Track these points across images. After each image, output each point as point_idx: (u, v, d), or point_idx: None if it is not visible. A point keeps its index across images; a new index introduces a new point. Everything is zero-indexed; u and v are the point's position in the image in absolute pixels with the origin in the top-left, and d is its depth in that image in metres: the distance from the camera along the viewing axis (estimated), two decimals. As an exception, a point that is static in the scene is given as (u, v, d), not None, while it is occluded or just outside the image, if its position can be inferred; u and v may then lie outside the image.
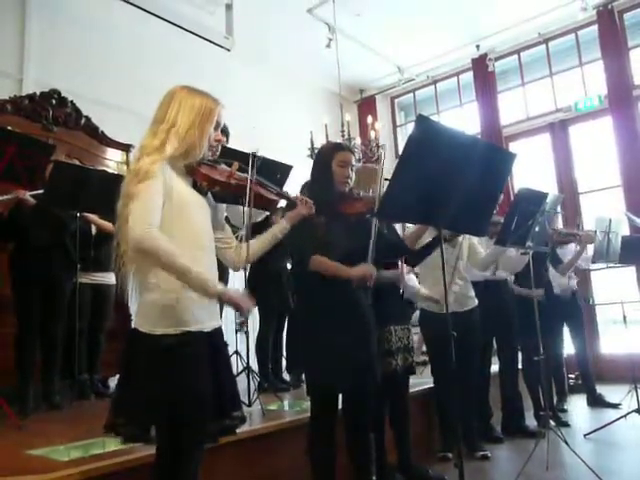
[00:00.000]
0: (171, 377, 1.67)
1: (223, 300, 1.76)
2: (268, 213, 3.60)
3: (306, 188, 3.40)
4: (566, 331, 5.16)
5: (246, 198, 1.98)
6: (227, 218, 2.72)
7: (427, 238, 2.97)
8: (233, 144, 2.76)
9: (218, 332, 1.86)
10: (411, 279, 3.82)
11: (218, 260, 1.95)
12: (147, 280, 1.74)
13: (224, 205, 2.17)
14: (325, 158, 2.70)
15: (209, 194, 1.95)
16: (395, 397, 3.20)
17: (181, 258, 1.65)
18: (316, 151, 5.66)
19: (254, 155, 2.10)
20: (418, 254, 3.13)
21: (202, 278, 1.70)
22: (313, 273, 2.53)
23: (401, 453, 3.19)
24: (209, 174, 1.86)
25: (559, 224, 4.88)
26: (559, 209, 4.17)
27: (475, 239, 3.89)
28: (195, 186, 1.89)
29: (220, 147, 1.95)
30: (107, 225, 4.06)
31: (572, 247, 4.82)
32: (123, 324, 4.44)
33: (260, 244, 2.05)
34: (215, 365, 1.77)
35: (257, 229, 2.23)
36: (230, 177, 1.91)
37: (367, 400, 2.58)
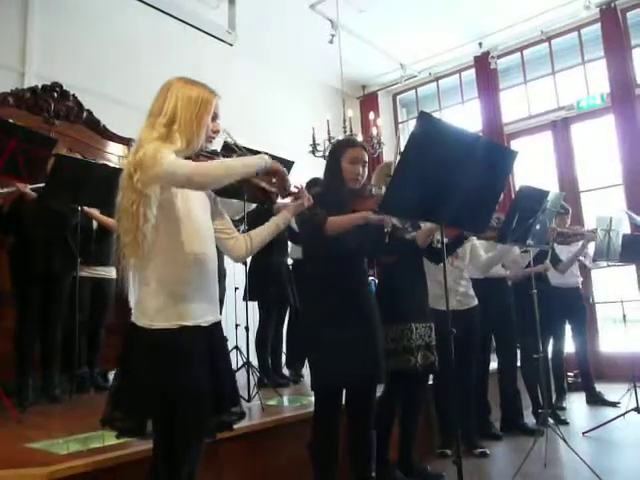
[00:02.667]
0: (168, 372, 1.66)
1: (274, 167, 1.83)
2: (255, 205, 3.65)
3: (314, 184, 3.40)
4: (567, 329, 5.17)
5: (245, 190, 1.97)
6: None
7: (437, 236, 2.98)
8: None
9: (217, 327, 1.85)
10: None
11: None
12: (145, 274, 1.74)
13: None
14: (335, 155, 2.71)
15: None
16: (411, 395, 3.16)
17: (229, 160, 1.79)
18: (318, 147, 5.70)
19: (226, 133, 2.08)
20: (437, 251, 3.11)
21: (253, 158, 1.80)
22: (317, 269, 2.54)
23: (404, 450, 3.18)
24: None
25: (567, 223, 4.87)
26: (562, 208, 4.17)
27: (477, 241, 3.89)
28: None
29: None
30: (108, 220, 4.04)
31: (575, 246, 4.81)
32: (123, 318, 4.44)
33: (262, 234, 2.03)
34: (213, 360, 1.77)
35: (257, 220, 2.22)
36: None
37: (371, 397, 2.59)
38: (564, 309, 4.91)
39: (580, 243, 4.70)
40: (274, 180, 1.86)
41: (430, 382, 3.74)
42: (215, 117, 1.87)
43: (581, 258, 4.97)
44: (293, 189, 2.00)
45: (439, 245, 3.12)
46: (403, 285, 2.93)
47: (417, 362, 2.91)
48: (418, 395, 3.20)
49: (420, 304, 3.08)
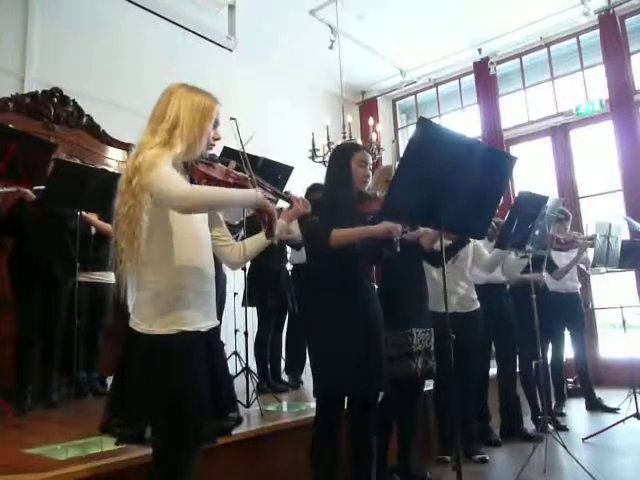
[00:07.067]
0: (167, 377, 1.66)
1: (263, 206, 1.79)
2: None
3: (317, 189, 3.38)
4: (567, 335, 5.16)
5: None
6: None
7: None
8: (234, 144, 2.74)
9: (215, 332, 1.85)
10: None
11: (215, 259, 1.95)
12: (144, 279, 1.74)
13: None
14: (344, 157, 2.70)
15: None
16: (409, 400, 3.13)
17: (220, 190, 1.75)
18: (317, 152, 5.71)
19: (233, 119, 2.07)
20: (438, 255, 3.13)
21: (244, 193, 1.80)
22: (321, 274, 2.53)
23: (403, 456, 3.14)
24: (207, 172, 1.85)
25: (567, 228, 4.87)
26: (562, 213, 4.16)
27: (480, 242, 3.89)
28: (192, 184, 1.87)
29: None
30: (106, 226, 4.03)
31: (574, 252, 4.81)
32: (122, 323, 4.43)
33: (257, 242, 2.03)
34: (211, 365, 1.77)
35: (256, 226, 2.22)
36: (228, 175, 1.91)
37: (373, 404, 2.57)
38: (563, 315, 4.91)
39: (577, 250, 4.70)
40: (265, 217, 1.84)
41: (430, 387, 3.74)
42: (216, 124, 1.89)
43: (580, 265, 4.97)
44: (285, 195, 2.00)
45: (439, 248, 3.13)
46: (403, 289, 2.91)
47: (417, 367, 2.92)
48: (416, 400, 3.18)
49: (420, 309, 3.08)
